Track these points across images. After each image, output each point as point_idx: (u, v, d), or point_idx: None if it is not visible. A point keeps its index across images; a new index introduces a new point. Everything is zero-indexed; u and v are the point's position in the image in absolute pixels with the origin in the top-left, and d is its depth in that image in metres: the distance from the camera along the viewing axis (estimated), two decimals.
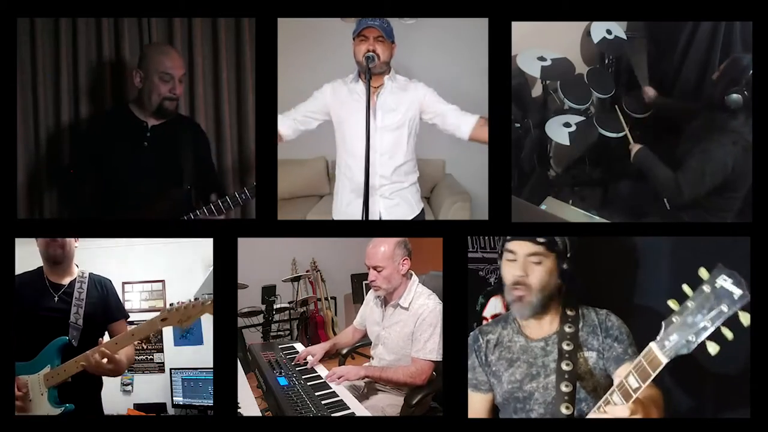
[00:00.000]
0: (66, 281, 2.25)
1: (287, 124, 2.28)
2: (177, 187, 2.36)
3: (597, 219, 2.32)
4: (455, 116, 2.23)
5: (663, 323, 1.42)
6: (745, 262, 1.94)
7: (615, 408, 1.48)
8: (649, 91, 2.59)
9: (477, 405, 1.86)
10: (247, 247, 2.17)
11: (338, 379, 2.22)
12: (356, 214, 2.18)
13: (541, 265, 1.72)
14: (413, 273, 2.28)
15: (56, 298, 2.21)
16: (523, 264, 1.72)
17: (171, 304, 2.07)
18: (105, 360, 2.07)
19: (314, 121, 2.31)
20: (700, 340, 1.36)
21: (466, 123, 2.22)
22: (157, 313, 2.07)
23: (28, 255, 2.25)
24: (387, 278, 2.21)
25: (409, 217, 2.31)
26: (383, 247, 2.20)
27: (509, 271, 1.75)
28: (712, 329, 1.34)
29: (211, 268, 2.21)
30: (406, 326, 2.21)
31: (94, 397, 2.26)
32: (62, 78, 2.57)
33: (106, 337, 2.21)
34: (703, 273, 1.38)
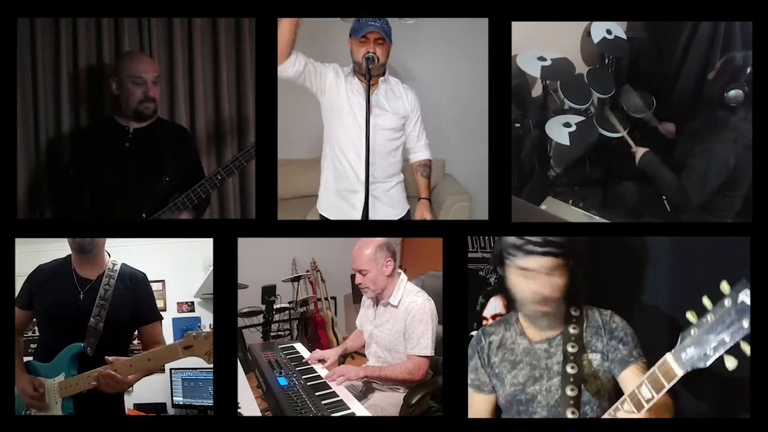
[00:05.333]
0: (94, 275, 2.14)
1: (300, 62, 2.18)
2: (156, 180, 2.34)
3: (597, 219, 2.32)
4: (413, 142, 2.34)
5: (680, 335, 1.37)
6: (745, 262, 1.94)
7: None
8: (669, 126, 2.55)
9: (479, 406, 1.84)
10: (247, 247, 2.17)
11: (338, 378, 2.22)
12: (342, 217, 2.22)
13: (561, 274, 1.65)
14: (401, 272, 2.31)
15: (82, 295, 2.10)
16: (545, 281, 1.64)
17: (197, 332, 1.97)
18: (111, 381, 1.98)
19: (311, 80, 2.22)
20: (717, 355, 1.32)
21: (414, 156, 2.37)
22: (180, 340, 1.98)
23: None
24: (372, 280, 2.25)
25: (395, 218, 2.34)
26: (367, 251, 2.24)
27: (529, 288, 1.65)
28: (731, 344, 1.30)
29: (211, 268, 2.21)
30: (396, 324, 2.23)
31: (115, 408, 2.15)
32: (62, 79, 2.57)
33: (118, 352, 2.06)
34: (724, 287, 1.31)
